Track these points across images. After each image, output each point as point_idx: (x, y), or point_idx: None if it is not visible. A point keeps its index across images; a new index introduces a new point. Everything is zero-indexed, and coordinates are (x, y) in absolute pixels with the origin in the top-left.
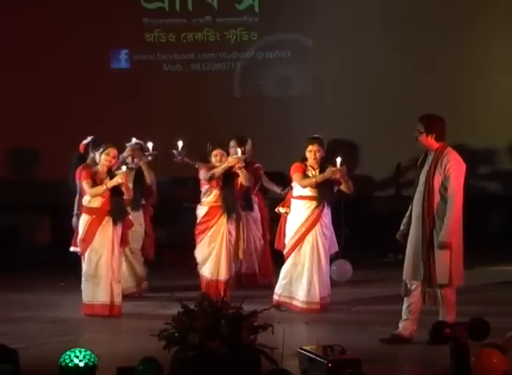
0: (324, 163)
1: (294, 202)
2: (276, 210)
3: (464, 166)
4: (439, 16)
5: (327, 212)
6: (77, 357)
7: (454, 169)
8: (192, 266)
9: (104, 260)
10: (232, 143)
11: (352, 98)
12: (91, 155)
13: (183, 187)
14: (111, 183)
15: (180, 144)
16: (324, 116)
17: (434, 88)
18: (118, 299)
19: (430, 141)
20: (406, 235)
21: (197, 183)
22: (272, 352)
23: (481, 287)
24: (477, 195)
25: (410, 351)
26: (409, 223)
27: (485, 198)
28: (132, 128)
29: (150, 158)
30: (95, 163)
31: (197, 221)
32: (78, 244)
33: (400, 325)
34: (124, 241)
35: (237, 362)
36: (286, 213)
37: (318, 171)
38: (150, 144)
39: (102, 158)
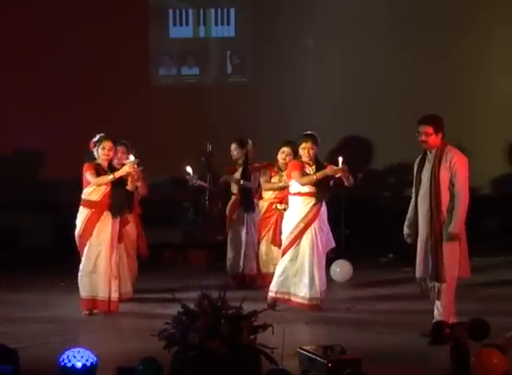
0: (318, 159)
1: (292, 199)
2: (274, 207)
3: (467, 161)
4: (439, 16)
5: (324, 208)
6: (77, 357)
7: (459, 164)
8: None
9: (104, 256)
10: (233, 146)
11: (352, 97)
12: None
13: (182, 187)
14: (119, 173)
15: (189, 169)
16: (324, 116)
17: (434, 88)
18: (114, 295)
19: (438, 141)
20: (413, 235)
21: None
22: (272, 352)
23: (481, 287)
24: (476, 195)
25: (411, 351)
26: (413, 224)
27: (484, 198)
28: (132, 128)
29: None
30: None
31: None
32: (76, 239)
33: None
34: (120, 237)
35: (237, 362)
36: (284, 210)
37: (314, 167)
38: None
39: (100, 152)
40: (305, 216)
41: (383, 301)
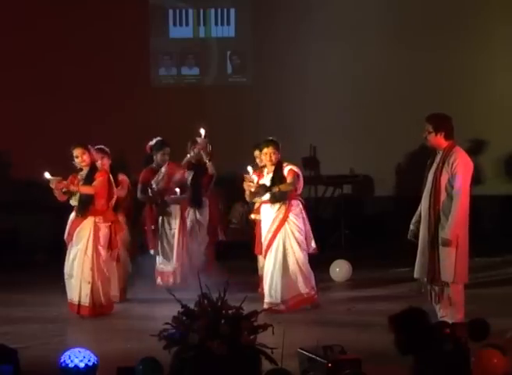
0: (279, 163)
1: (262, 208)
2: (250, 217)
3: (471, 165)
4: (440, 16)
5: (295, 207)
6: (77, 357)
7: (461, 167)
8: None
9: (77, 259)
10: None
11: (352, 97)
12: (155, 156)
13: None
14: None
15: (203, 131)
16: (324, 116)
17: (434, 88)
18: (85, 300)
19: (439, 140)
20: (417, 234)
21: None
22: (272, 352)
23: (481, 287)
24: (476, 194)
25: None
26: (418, 222)
27: (483, 198)
28: (132, 128)
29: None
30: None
31: None
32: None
33: None
34: (112, 245)
35: (237, 362)
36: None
37: (269, 175)
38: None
39: (76, 162)
40: (272, 222)
41: (383, 301)
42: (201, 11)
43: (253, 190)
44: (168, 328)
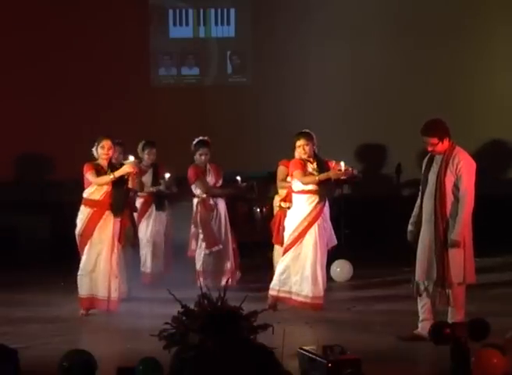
0: (318, 156)
1: (296, 197)
2: (277, 205)
3: (474, 165)
4: (439, 16)
5: (327, 207)
6: (77, 357)
7: (465, 168)
8: None
9: (104, 255)
10: (148, 150)
11: (352, 97)
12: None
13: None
14: (119, 173)
15: (167, 175)
16: (324, 116)
17: (434, 88)
18: (114, 294)
19: (445, 145)
20: (416, 235)
21: None
22: None
23: (481, 287)
24: (476, 194)
25: (410, 351)
26: (417, 223)
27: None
28: (132, 128)
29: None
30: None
31: None
32: (76, 237)
33: (419, 325)
34: (120, 239)
35: (237, 362)
36: (288, 208)
37: (315, 164)
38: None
39: (99, 152)
40: (309, 214)
41: (383, 301)
42: (201, 11)
43: (284, 206)
44: (168, 328)
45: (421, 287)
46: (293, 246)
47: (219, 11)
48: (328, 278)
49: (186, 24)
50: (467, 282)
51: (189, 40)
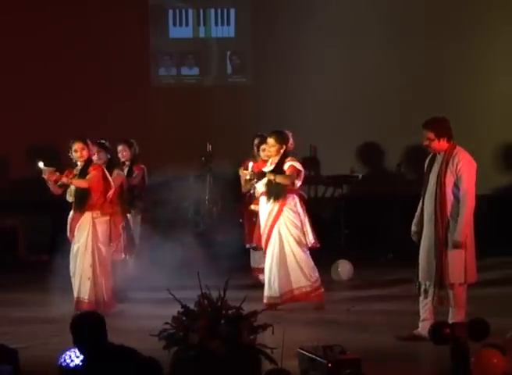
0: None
1: (260, 199)
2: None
3: (475, 165)
4: (440, 16)
5: (290, 201)
6: (77, 357)
7: (466, 168)
8: None
9: (79, 256)
10: (121, 147)
11: (352, 97)
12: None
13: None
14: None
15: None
16: (324, 116)
17: (434, 88)
18: (84, 296)
19: (442, 145)
20: (420, 235)
21: None
22: (271, 352)
23: (481, 287)
24: (476, 194)
25: (410, 351)
26: (420, 222)
27: (483, 198)
28: (132, 128)
29: None
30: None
31: None
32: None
33: (420, 324)
34: (113, 237)
35: (237, 362)
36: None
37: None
38: None
39: (73, 155)
40: (268, 215)
41: (383, 301)
42: (201, 11)
43: (247, 177)
44: (168, 328)
45: (423, 288)
46: (267, 247)
47: (219, 11)
48: (329, 278)
49: (186, 24)
50: (469, 282)
51: (189, 40)
